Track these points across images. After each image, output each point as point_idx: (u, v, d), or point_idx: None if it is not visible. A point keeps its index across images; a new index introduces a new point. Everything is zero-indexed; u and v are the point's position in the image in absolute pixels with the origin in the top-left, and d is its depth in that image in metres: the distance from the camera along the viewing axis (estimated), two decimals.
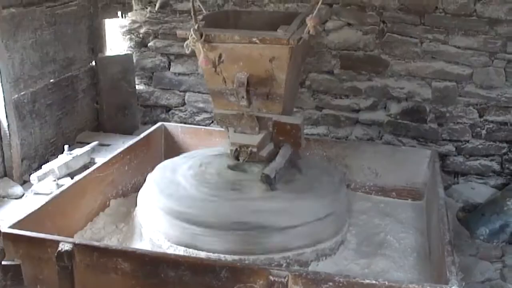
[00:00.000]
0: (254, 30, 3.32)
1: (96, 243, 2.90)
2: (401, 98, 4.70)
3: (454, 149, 4.69)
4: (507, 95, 4.48)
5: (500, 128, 4.56)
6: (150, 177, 3.50)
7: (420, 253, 3.31)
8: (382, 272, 3.09)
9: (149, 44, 5.19)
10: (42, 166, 3.97)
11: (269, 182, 3.17)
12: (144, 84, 5.30)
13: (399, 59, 4.64)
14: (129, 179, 3.89)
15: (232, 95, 3.38)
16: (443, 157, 4.64)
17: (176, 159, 3.74)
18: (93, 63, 5.02)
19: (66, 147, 4.12)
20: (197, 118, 5.24)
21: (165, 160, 3.78)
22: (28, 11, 4.15)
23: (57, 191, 3.26)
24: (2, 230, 2.56)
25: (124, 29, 5.21)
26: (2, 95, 3.86)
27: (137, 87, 5.24)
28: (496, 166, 4.63)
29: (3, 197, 3.83)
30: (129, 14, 5.13)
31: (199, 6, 3.78)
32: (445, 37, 4.51)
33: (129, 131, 5.03)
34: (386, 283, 2.42)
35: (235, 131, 3.47)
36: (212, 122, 5.11)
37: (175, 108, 5.28)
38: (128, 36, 5.21)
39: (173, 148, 4.30)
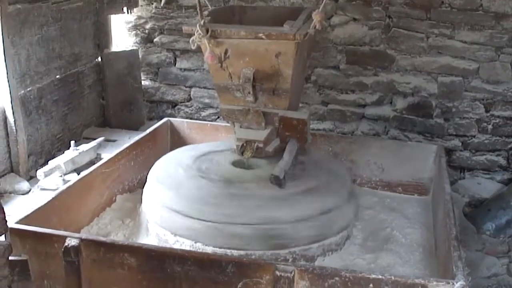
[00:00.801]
0: (260, 26, 3.31)
1: (102, 239, 2.90)
2: (407, 93, 4.69)
3: (460, 144, 4.68)
4: None
5: (506, 123, 4.55)
6: (154, 172, 3.50)
7: (426, 248, 3.30)
8: (388, 267, 3.09)
9: (154, 40, 5.19)
10: (49, 162, 3.97)
11: (278, 183, 3.17)
12: (150, 79, 5.30)
13: (405, 54, 4.63)
14: (135, 175, 3.90)
15: (238, 90, 3.37)
16: (449, 152, 4.64)
17: (177, 153, 3.74)
18: (99, 59, 5.02)
19: (72, 142, 4.12)
20: (203, 114, 5.24)
21: (167, 154, 3.78)
22: (34, 7, 4.15)
23: (64, 187, 3.27)
24: (9, 226, 2.57)
25: (130, 25, 5.21)
26: (9, 91, 3.87)
27: (143, 82, 5.24)
28: (503, 161, 4.62)
29: (10, 192, 3.84)
30: (135, 9, 5.13)
31: (204, 1, 3.77)
32: (451, 32, 4.49)
33: (135, 127, 5.04)
34: (392, 278, 2.42)
35: (241, 127, 3.47)
36: (218, 117, 5.12)
37: (181, 104, 5.28)
38: (134, 31, 5.22)
39: (179, 144, 4.30)
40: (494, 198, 4.16)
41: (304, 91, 4.66)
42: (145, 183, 3.55)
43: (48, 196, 3.13)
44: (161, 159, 3.66)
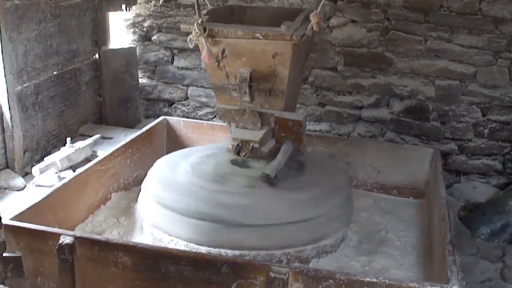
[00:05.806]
0: (258, 26, 3.31)
1: (97, 237, 2.90)
2: (404, 96, 4.69)
3: (456, 147, 4.68)
4: (511, 94, 4.47)
5: (503, 127, 4.56)
6: (151, 172, 3.50)
7: (421, 252, 3.30)
8: (382, 270, 3.09)
9: (152, 38, 5.18)
10: (44, 158, 3.97)
11: (269, 181, 3.17)
12: (147, 77, 5.29)
13: (403, 56, 4.63)
14: (131, 173, 3.89)
15: (235, 90, 3.37)
16: (445, 155, 4.64)
17: (175, 155, 3.74)
18: (97, 56, 5.01)
19: (68, 139, 4.11)
20: (200, 113, 5.23)
21: (166, 155, 3.78)
22: (32, 3, 4.14)
23: (59, 184, 3.26)
24: (3, 222, 2.56)
25: (128, 22, 5.20)
26: (5, 87, 3.86)
27: (140, 80, 5.24)
28: (498, 166, 4.62)
29: (5, 188, 3.83)
30: (133, 7, 5.12)
31: (203, 0, 3.77)
32: (449, 36, 4.50)
33: (132, 125, 5.03)
34: (387, 281, 2.42)
35: (237, 126, 3.46)
36: (215, 116, 5.11)
37: (178, 102, 5.28)
38: (132, 29, 5.21)
39: (175, 142, 4.31)
40: (489, 203, 4.16)
41: (301, 92, 4.65)
42: (141, 181, 3.54)
43: (43, 193, 3.12)
44: (160, 159, 3.66)
